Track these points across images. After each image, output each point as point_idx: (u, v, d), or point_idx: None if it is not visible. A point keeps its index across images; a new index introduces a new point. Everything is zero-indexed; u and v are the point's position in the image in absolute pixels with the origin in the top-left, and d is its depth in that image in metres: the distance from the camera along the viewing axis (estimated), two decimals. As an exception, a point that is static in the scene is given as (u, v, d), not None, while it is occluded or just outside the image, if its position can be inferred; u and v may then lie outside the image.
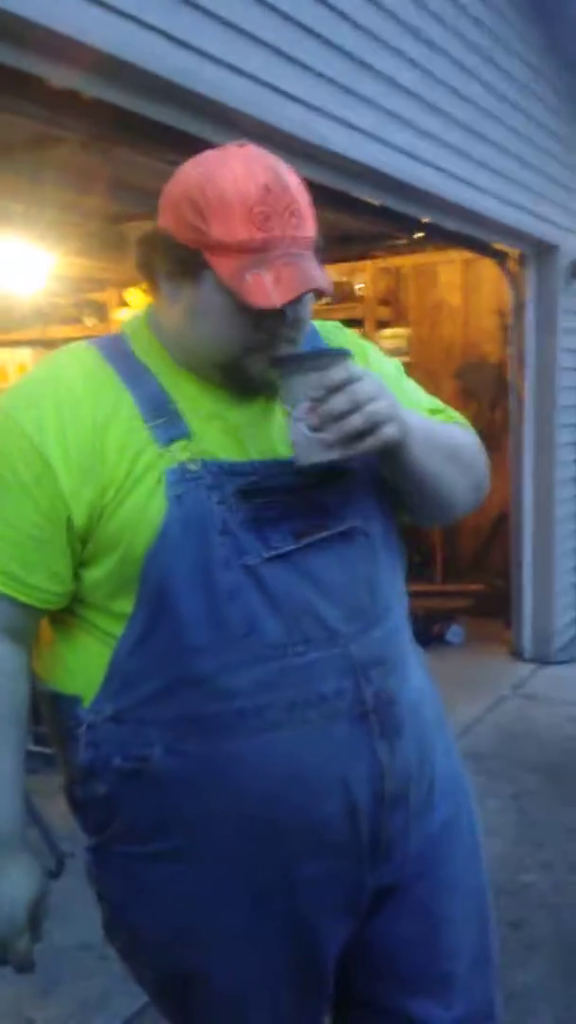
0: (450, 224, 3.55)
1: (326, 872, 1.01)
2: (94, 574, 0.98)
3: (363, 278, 5.20)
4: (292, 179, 0.97)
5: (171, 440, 0.96)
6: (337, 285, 4.73)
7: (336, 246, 4.50)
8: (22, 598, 0.98)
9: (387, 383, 1.01)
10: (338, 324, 1.19)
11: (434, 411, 1.17)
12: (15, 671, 1.01)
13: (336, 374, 0.92)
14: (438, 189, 3.19)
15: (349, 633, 0.99)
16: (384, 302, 5.46)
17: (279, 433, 0.99)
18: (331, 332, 1.15)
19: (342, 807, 0.99)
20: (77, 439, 0.95)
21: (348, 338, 1.16)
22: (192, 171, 0.98)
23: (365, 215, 3.29)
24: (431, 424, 1.10)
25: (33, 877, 1.03)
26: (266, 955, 1.02)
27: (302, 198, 0.97)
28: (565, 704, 3.94)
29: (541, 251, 4.34)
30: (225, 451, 0.98)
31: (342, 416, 0.91)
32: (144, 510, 0.94)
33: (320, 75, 2.51)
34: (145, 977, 1.10)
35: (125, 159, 2.71)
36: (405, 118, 2.94)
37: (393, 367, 1.17)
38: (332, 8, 2.52)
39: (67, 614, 1.02)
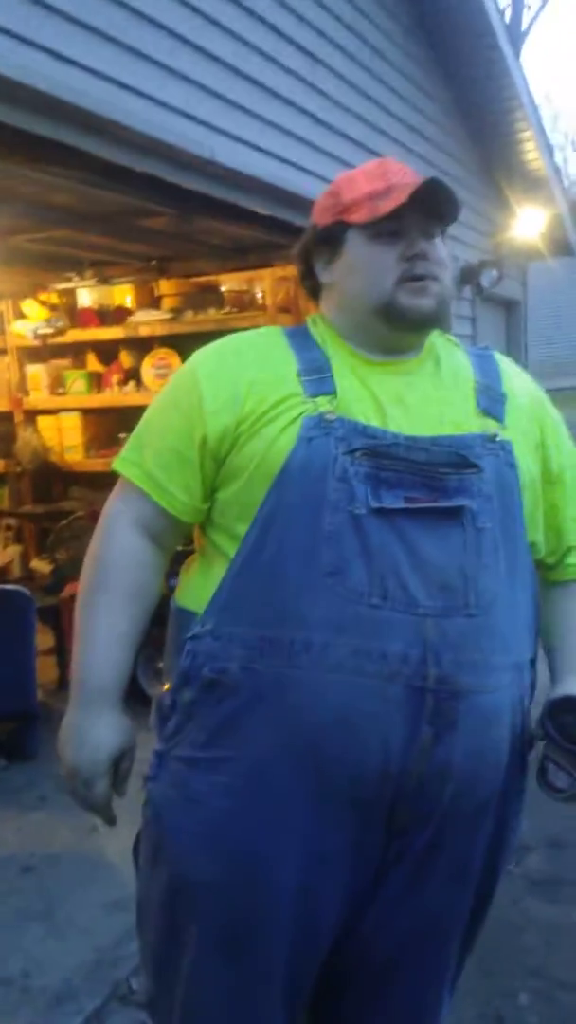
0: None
1: (345, 820, 1.05)
2: (226, 495, 1.09)
3: (262, 286, 5.24)
4: (403, 167, 1.17)
5: (317, 394, 1.07)
6: (238, 294, 4.75)
7: (232, 256, 4.53)
8: (158, 499, 1.12)
9: (557, 443, 1.18)
10: (518, 369, 1.25)
11: None
12: (146, 563, 1.14)
13: None
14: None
15: (430, 607, 1.02)
16: (284, 310, 5.50)
17: (412, 417, 1.08)
18: (508, 368, 1.22)
19: (377, 766, 1.02)
20: (231, 378, 1.10)
21: (519, 378, 1.22)
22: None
23: (256, 225, 3.33)
24: None
25: (120, 732, 1.14)
26: (275, 882, 1.06)
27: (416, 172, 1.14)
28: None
29: (432, 259, 4.47)
30: (365, 416, 1.07)
31: None
32: (275, 442, 1.05)
33: (205, 88, 2.53)
34: (152, 893, 1.14)
35: (14, 173, 2.66)
36: (292, 131, 2.99)
37: (560, 424, 1.24)
38: (219, 24, 2.55)
39: (205, 540, 1.14)
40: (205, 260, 4.56)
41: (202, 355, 1.17)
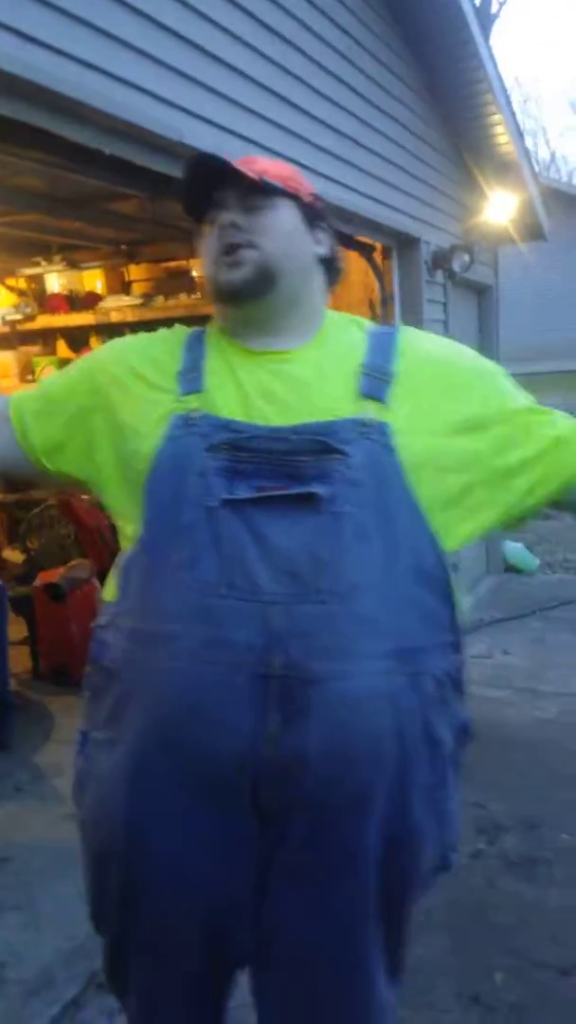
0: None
1: (212, 804, 1.06)
2: (114, 494, 1.17)
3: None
4: (260, 158, 1.20)
5: (188, 392, 1.11)
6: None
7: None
8: (12, 411, 1.23)
9: (503, 419, 1.14)
10: (438, 344, 1.23)
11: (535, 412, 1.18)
12: None
13: None
14: (301, 184, 3.22)
15: (276, 594, 1.02)
16: (256, 296, 5.49)
17: (279, 407, 1.09)
18: (420, 350, 1.17)
19: (230, 752, 1.03)
20: (124, 365, 1.17)
21: (428, 353, 1.18)
22: None
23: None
24: None
25: None
26: (160, 857, 1.10)
27: (262, 160, 1.19)
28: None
29: (403, 243, 4.46)
30: (229, 410, 1.09)
31: None
32: (145, 440, 1.10)
33: (176, 70, 2.49)
34: (82, 859, 1.21)
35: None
36: (264, 115, 2.95)
37: (505, 387, 1.19)
38: (186, 4, 2.50)
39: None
40: (176, 244, 4.52)
41: (114, 342, 1.27)
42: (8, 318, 5.19)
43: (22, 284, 5.22)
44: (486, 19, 14.32)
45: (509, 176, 5.20)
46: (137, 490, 1.10)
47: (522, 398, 1.19)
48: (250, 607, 1.02)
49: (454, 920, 2.26)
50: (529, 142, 21.69)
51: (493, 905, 2.34)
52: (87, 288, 5.14)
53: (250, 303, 1.13)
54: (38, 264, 4.93)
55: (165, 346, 1.19)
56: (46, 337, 5.36)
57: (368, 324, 1.22)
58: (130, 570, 1.11)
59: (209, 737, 1.04)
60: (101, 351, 1.26)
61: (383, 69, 3.93)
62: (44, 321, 5.16)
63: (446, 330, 4.91)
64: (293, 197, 1.16)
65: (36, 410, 1.23)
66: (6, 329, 5.24)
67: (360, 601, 1.03)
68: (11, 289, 5.24)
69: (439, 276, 4.73)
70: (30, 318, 5.19)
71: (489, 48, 4.33)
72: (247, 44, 2.81)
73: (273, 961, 1.15)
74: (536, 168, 7.62)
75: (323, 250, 1.20)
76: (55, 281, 5.12)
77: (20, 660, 3.94)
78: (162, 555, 1.07)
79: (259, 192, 1.12)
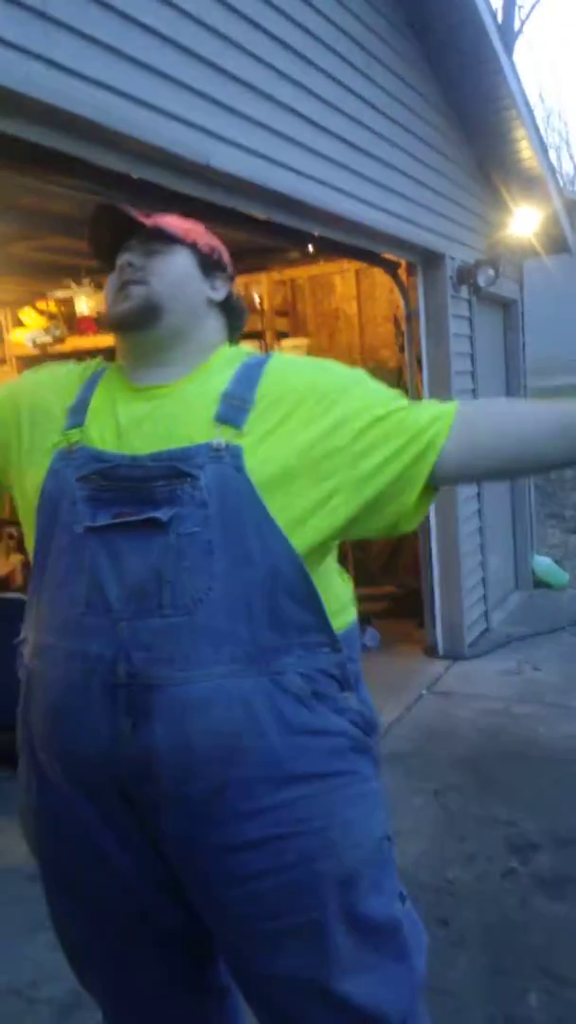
0: (338, 236, 3.63)
1: (89, 801, 1.19)
2: (23, 516, 1.27)
3: (259, 290, 5.24)
4: (166, 216, 1.29)
5: (71, 427, 1.22)
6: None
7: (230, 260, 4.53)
8: None
9: (345, 409, 1.17)
10: (291, 357, 1.30)
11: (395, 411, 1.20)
12: None
13: None
14: (324, 203, 3.25)
15: (122, 611, 1.13)
16: (282, 313, 5.52)
17: (146, 438, 1.17)
18: (282, 376, 1.21)
19: (92, 752, 1.15)
20: (33, 401, 1.29)
21: (288, 375, 1.21)
22: None
23: (255, 230, 3.33)
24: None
25: None
26: (72, 847, 1.23)
27: (165, 216, 1.29)
28: (479, 698, 4.06)
29: (428, 260, 4.47)
30: (103, 442, 1.19)
31: None
32: (35, 474, 1.22)
33: (201, 94, 2.52)
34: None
35: (12, 182, 2.67)
36: (286, 134, 2.99)
37: (368, 397, 1.21)
38: (214, 30, 2.55)
39: None
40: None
41: (28, 373, 1.40)
42: (39, 341, 5.27)
43: (52, 307, 5.30)
44: (509, 35, 14.36)
45: (533, 190, 5.20)
46: (30, 515, 1.23)
47: (386, 403, 1.20)
48: (102, 622, 1.14)
49: (486, 940, 2.24)
50: (553, 156, 21.63)
51: (526, 925, 2.32)
52: (115, 309, 5.21)
53: (134, 333, 1.24)
54: (68, 287, 5.00)
55: (68, 381, 1.30)
56: (76, 359, 5.43)
57: (248, 358, 1.26)
58: (31, 589, 1.25)
59: (74, 737, 1.17)
60: (20, 381, 1.39)
61: (405, 87, 3.96)
62: (73, 343, 5.23)
63: (472, 345, 4.91)
64: (190, 246, 1.27)
65: None
66: (36, 351, 5.32)
67: (203, 613, 1.11)
68: (41, 312, 5.31)
69: (464, 291, 4.73)
70: (60, 340, 5.26)
71: (512, 64, 4.35)
72: (269, 65, 2.85)
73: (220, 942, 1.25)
74: (561, 182, 7.61)
75: (217, 295, 1.29)
76: (84, 303, 5.19)
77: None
78: (45, 575, 1.21)
79: (160, 240, 1.24)
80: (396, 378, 5.08)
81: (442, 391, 4.55)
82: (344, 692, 1.21)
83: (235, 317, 1.33)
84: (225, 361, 1.25)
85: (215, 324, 1.29)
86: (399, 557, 5.38)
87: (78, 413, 1.23)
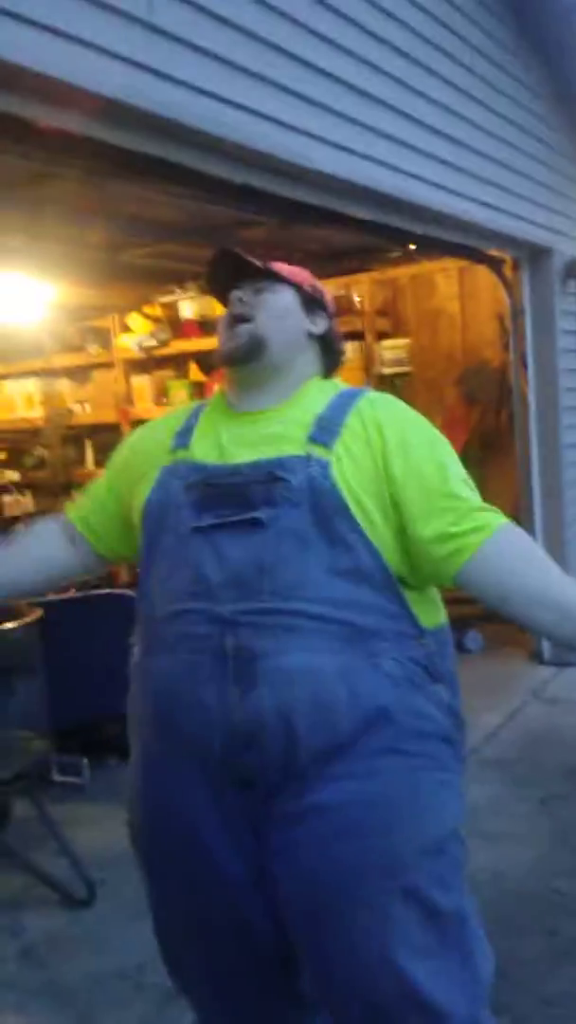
0: (441, 234, 3.58)
1: (197, 775, 1.28)
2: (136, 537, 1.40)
3: (360, 291, 5.23)
4: (276, 263, 1.44)
5: (177, 448, 1.38)
6: (335, 299, 4.76)
7: (329, 261, 4.54)
8: (79, 525, 1.53)
9: (413, 478, 1.26)
10: (389, 399, 1.38)
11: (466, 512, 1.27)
12: (49, 538, 1.56)
13: None
14: (426, 200, 3.22)
15: (224, 596, 1.26)
16: (382, 313, 5.49)
17: (246, 451, 1.32)
18: (367, 409, 1.32)
19: (202, 723, 1.26)
20: (140, 446, 1.48)
21: (382, 417, 1.32)
22: None
23: (356, 231, 3.33)
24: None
25: None
26: (170, 827, 1.32)
27: (275, 260, 1.45)
28: (587, 705, 3.92)
29: (534, 255, 4.36)
30: (205, 456, 1.35)
31: None
32: (144, 490, 1.37)
33: (300, 96, 2.54)
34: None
35: (120, 191, 2.76)
36: (386, 132, 2.97)
37: (430, 460, 1.30)
38: (310, 30, 2.56)
39: None
40: (302, 267, 4.60)
41: (133, 435, 1.56)
42: (144, 344, 5.42)
43: (157, 312, 5.44)
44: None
45: None
46: (139, 527, 1.37)
47: (457, 482, 1.29)
48: (207, 607, 1.26)
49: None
50: None
51: None
52: (218, 313, 5.30)
53: (241, 366, 1.38)
54: (172, 292, 5.13)
55: (176, 415, 1.47)
56: (179, 362, 5.55)
57: (344, 388, 1.41)
58: (138, 596, 1.38)
59: (185, 713, 1.27)
60: (124, 446, 1.55)
61: (508, 78, 3.88)
62: (177, 346, 5.36)
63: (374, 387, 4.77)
64: (295, 286, 1.42)
65: (99, 520, 1.52)
66: (142, 355, 5.47)
67: (298, 598, 1.24)
68: (147, 317, 5.47)
69: (573, 287, 4.60)
70: (164, 344, 5.40)
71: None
72: (366, 62, 2.84)
73: (294, 923, 1.29)
74: None
75: (316, 329, 1.43)
76: (188, 308, 5.31)
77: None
78: (152, 574, 1.34)
79: (268, 279, 1.40)
80: (500, 377, 4.98)
81: (549, 389, 4.43)
82: (435, 684, 1.29)
83: (332, 354, 1.47)
84: (319, 389, 1.39)
85: (312, 357, 1.43)
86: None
87: (184, 436, 1.38)
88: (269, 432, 1.32)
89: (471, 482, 1.32)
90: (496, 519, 1.27)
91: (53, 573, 1.57)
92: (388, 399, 1.38)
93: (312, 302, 1.43)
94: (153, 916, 1.44)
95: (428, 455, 1.30)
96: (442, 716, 1.28)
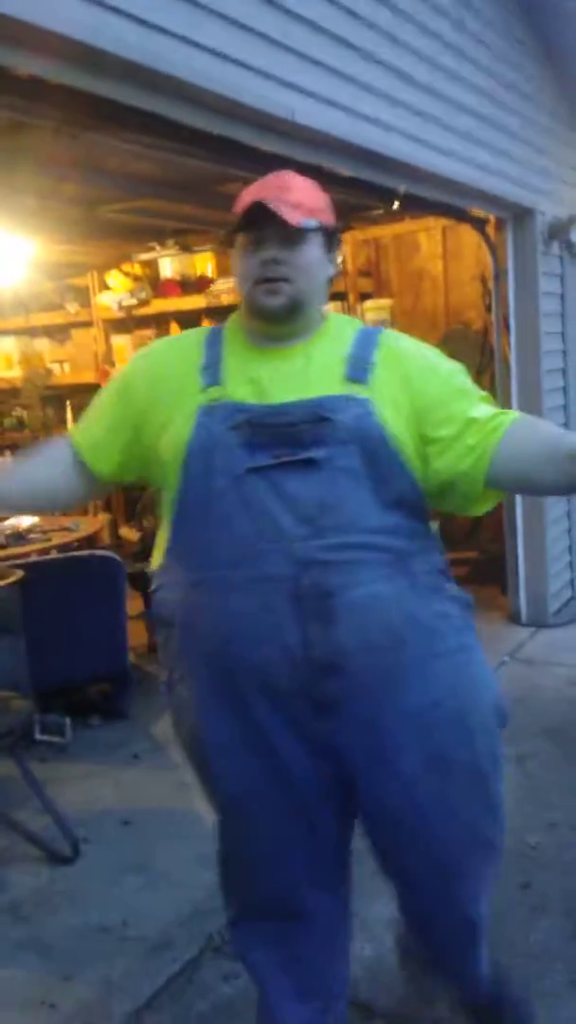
0: (425, 192, 3.53)
1: (274, 704, 1.37)
2: (154, 475, 1.46)
3: (342, 251, 5.17)
4: (296, 180, 1.44)
5: (209, 385, 1.40)
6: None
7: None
8: (85, 455, 1.53)
9: (442, 394, 1.40)
10: (403, 335, 1.50)
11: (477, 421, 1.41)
12: (58, 461, 1.56)
13: None
14: (410, 157, 3.17)
15: (296, 535, 1.33)
16: (365, 273, 5.44)
17: (281, 390, 1.38)
18: (390, 344, 1.45)
19: (278, 654, 1.34)
20: (155, 375, 1.47)
21: (403, 351, 1.45)
22: None
23: (338, 187, 3.27)
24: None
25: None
26: (244, 762, 1.41)
27: (298, 186, 1.42)
28: (563, 666, 3.98)
29: (518, 216, 4.32)
30: (242, 396, 1.38)
31: None
32: (180, 429, 1.38)
33: (284, 47, 2.48)
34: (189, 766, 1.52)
35: (96, 143, 2.69)
36: (372, 86, 2.91)
37: (453, 377, 1.45)
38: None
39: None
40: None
41: (138, 354, 1.57)
42: (124, 303, 5.34)
43: (137, 270, 5.36)
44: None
45: (632, 139, 4.95)
46: (176, 467, 1.38)
47: (474, 402, 1.43)
48: (278, 547, 1.33)
49: (568, 906, 2.22)
50: None
51: (610, 892, 2.29)
52: (199, 272, 5.23)
53: (279, 322, 1.42)
54: (152, 249, 5.04)
55: (186, 346, 1.48)
56: (160, 321, 5.48)
57: (360, 325, 1.52)
58: (172, 537, 1.42)
59: (263, 650, 1.34)
60: (128, 369, 1.54)
61: (497, 35, 3.81)
62: (158, 306, 5.29)
63: (563, 303, 4.74)
64: (321, 230, 1.42)
65: (95, 443, 1.52)
66: (122, 314, 5.40)
67: (358, 531, 1.35)
68: (127, 275, 5.38)
69: (556, 248, 4.57)
70: (145, 303, 5.32)
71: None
72: (352, 13, 2.76)
73: (376, 820, 1.48)
74: None
75: (333, 271, 1.48)
76: (168, 266, 5.23)
77: (137, 634, 4.08)
78: (202, 516, 1.37)
79: (294, 231, 1.37)
80: (482, 340, 4.96)
81: (531, 352, 4.42)
82: (448, 582, 1.47)
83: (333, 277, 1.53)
84: (339, 328, 1.48)
85: (325, 292, 1.49)
86: (482, 522, 5.29)
87: (212, 373, 1.41)
88: (303, 369, 1.40)
89: (487, 396, 1.46)
90: (511, 413, 1.43)
91: (59, 497, 1.65)
92: (402, 335, 1.50)
93: (332, 238, 1.46)
94: (224, 837, 1.56)
95: (449, 375, 1.44)
96: (459, 608, 1.46)
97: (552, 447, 1.34)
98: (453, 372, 1.45)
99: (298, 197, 1.39)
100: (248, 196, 1.40)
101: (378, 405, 1.36)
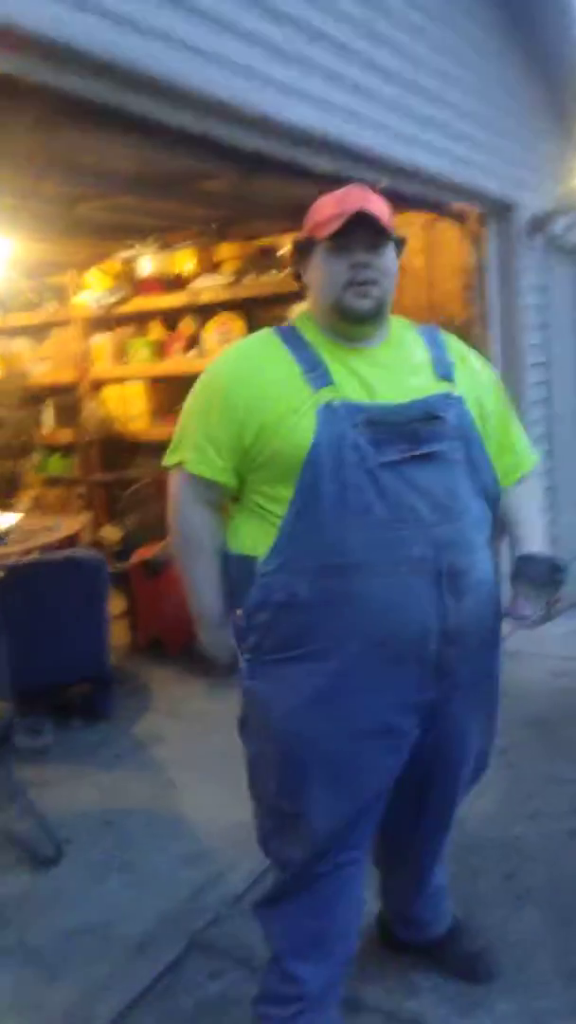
0: (406, 187, 3.53)
1: (407, 675, 1.54)
2: (263, 473, 1.54)
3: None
4: (371, 193, 1.58)
5: (320, 387, 1.51)
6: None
7: (291, 216, 4.46)
8: (218, 478, 1.58)
9: (486, 391, 1.69)
10: (456, 341, 1.73)
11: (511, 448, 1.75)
12: (215, 528, 1.63)
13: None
14: (388, 151, 3.16)
15: (432, 520, 1.50)
16: (346, 270, 5.43)
17: (394, 387, 1.54)
18: (452, 341, 1.71)
19: (420, 632, 1.52)
20: (253, 388, 1.54)
21: (460, 348, 1.72)
22: None
23: (317, 183, 3.26)
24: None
25: (225, 643, 1.66)
26: (357, 724, 1.54)
27: (375, 199, 1.57)
28: (546, 658, 4.00)
29: (500, 210, 4.33)
30: (356, 395, 1.52)
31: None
32: (303, 431, 1.48)
33: (261, 42, 2.47)
34: (267, 756, 1.60)
35: (73, 140, 2.67)
36: (350, 81, 2.90)
37: (493, 379, 1.77)
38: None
39: (244, 501, 1.59)
40: (265, 222, 4.51)
41: (223, 363, 1.62)
42: (103, 302, 5.30)
43: (116, 268, 5.32)
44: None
45: (610, 134, 4.96)
46: (294, 464, 1.48)
47: (512, 416, 1.78)
48: (419, 532, 1.49)
49: (552, 896, 2.23)
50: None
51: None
52: (178, 269, 5.19)
53: (369, 324, 1.57)
54: (131, 247, 5.01)
55: (270, 353, 1.57)
56: (140, 319, 5.45)
57: (411, 323, 1.70)
58: (296, 524, 1.50)
59: (409, 626, 1.50)
60: (230, 392, 1.56)
61: (477, 26, 3.80)
62: (138, 303, 5.25)
63: (544, 297, 4.76)
64: (395, 240, 1.58)
65: (223, 468, 1.57)
66: (101, 312, 5.36)
67: (469, 516, 1.57)
68: (105, 273, 5.34)
69: (537, 242, 4.58)
70: (124, 301, 5.28)
71: (588, 0, 4.13)
72: (330, 8, 2.75)
73: (418, 770, 1.68)
74: None
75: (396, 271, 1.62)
76: (148, 264, 5.19)
77: (119, 634, 4.07)
78: (335, 509, 1.47)
79: (382, 236, 1.54)
80: (465, 334, 4.96)
81: (513, 346, 4.43)
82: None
83: None
84: (399, 327, 1.66)
85: None
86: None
87: (319, 375, 1.52)
88: (398, 369, 1.57)
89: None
90: (534, 457, 1.79)
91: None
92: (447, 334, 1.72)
93: (400, 246, 1.61)
94: (310, 808, 1.60)
95: (494, 377, 1.76)
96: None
97: (513, 537, 1.71)
98: (494, 376, 1.77)
99: (378, 207, 1.54)
100: (336, 206, 1.53)
101: (465, 403, 1.59)
